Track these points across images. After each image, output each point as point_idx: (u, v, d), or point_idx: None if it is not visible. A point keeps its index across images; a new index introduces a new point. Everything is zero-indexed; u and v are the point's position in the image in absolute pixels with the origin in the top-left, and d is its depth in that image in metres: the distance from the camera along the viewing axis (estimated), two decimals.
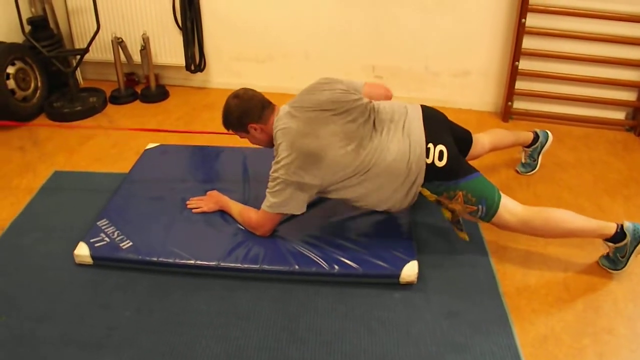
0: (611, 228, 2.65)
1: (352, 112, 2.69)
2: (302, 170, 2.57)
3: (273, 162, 2.66)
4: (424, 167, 2.59)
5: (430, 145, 2.62)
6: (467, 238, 2.76)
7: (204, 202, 3.03)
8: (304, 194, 2.63)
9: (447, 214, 2.71)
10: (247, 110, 2.76)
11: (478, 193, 2.62)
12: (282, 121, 2.68)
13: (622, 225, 2.64)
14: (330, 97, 2.73)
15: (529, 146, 3.51)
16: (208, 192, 3.08)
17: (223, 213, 2.99)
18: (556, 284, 2.69)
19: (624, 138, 4.09)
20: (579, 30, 3.96)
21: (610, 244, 2.68)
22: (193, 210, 3.00)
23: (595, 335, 2.41)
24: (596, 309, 2.54)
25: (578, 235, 2.71)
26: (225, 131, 2.90)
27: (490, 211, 2.62)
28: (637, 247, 2.61)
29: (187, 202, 3.07)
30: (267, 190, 2.67)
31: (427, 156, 2.60)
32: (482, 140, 3.23)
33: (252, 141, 2.89)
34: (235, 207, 2.93)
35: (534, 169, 3.54)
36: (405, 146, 2.61)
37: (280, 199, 2.63)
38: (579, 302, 2.58)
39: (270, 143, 2.81)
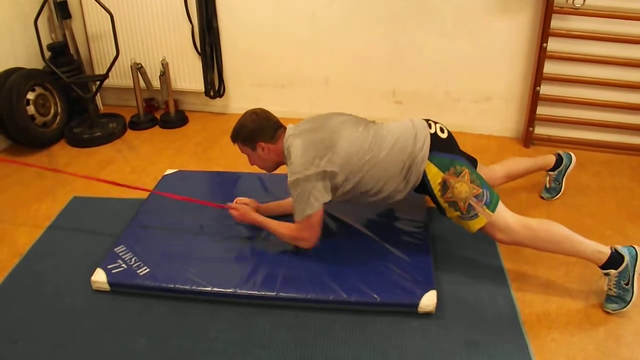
0: (606, 247, 2.60)
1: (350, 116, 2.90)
2: (318, 159, 2.63)
3: (288, 168, 2.71)
4: (429, 135, 2.72)
5: (431, 122, 2.83)
6: (482, 223, 2.65)
7: (238, 217, 3.01)
8: (325, 182, 2.67)
9: (454, 213, 2.68)
10: (261, 128, 2.82)
11: (480, 178, 2.68)
12: (291, 131, 2.79)
13: (615, 248, 2.61)
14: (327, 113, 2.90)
15: (553, 169, 3.47)
16: (241, 207, 3.02)
17: (242, 238, 3.00)
18: (577, 312, 2.64)
19: None
20: (601, 55, 3.93)
21: (612, 270, 2.58)
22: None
23: None
24: (617, 338, 2.49)
25: (577, 247, 2.61)
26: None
27: (493, 198, 2.64)
28: (636, 267, 2.57)
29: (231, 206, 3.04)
30: (292, 199, 2.70)
31: (430, 127, 2.77)
32: (493, 166, 3.26)
33: (255, 160, 2.92)
34: (271, 224, 2.92)
35: (559, 193, 3.50)
36: (407, 122, 2.82)
37: (306, 200, 2.65)
38: (600, 331, 2.53)
39: (274, 165, 2.91)
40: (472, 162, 2.98)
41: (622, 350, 2.43)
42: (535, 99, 4.10)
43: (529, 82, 4.14)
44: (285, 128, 2.85)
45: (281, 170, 2.94)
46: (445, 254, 2.98)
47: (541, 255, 2.80)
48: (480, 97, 4.34)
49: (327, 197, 2.70)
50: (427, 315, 2.56)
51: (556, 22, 3.86)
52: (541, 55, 3.94)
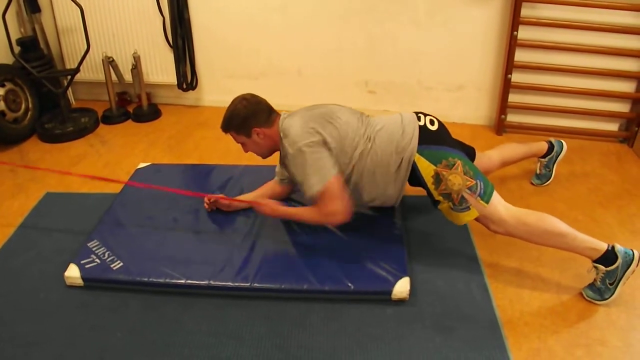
0: (602, 245, 2.57)
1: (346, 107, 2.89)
2: (320, 127, 2.65)
3: (286, 143, 2.67)
4: (417, 128, 2.71)
5: (421, 115, 2.81)
6: (473, 216, 2.65)
7: (269, 212, 2.92)
8: (327, 151, 2.62)
9: (446, 205, 2.66)
10: (254, 113, 2.78)
11: (474, 169, 2.66)
12: (287, 114, 2.80)
13: (613, 246, 2.58)
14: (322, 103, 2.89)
15: (544, 156, 3.51)
16: (269, 201, 2.94)
17: (215, 230, 3.01)
18: (549, 296, 2.67)
19: (617, 150, 4.09)
20: (571, 42, 3.97)
21: (601, 266, 2.58)
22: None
23: (588, 347, 2.39)
24: (589, 321, 2.53)
25: (569, 242, 2.60)
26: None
27: (487, 189, 2.62)
28: (627, 273, 2.53)
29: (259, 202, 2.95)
30: (298, 178, 2.66)
31: (419, 120, 2.76)
32: (490, 153, 3.26)
33: (250, 147, 2.87)
34: (299, 211, 2.86)
35: (549, 179, 3.55)
36: (396, 116, 2.82)
37: (315, 169, 2.59)
38: (572, 313, 2.57)
39: (270, 150, 2.86)
40: (469, 152, 2.99)
41: (593, 332, 2.47)
42: (506, 86, 4.13)
43: (501, 70, 4.17)
44: (278, 113, 2.83)
45: (258, 161, 3.03)
46: (420, 243, 3.00)
47: (515, 242, 2.78)
48: (452, 85, 4.37)
49: (335, 168, 2.62)
50: (401, 302, 2.58)
51: (526, 11, 3.89)
52: (512, 43, 3.97)
